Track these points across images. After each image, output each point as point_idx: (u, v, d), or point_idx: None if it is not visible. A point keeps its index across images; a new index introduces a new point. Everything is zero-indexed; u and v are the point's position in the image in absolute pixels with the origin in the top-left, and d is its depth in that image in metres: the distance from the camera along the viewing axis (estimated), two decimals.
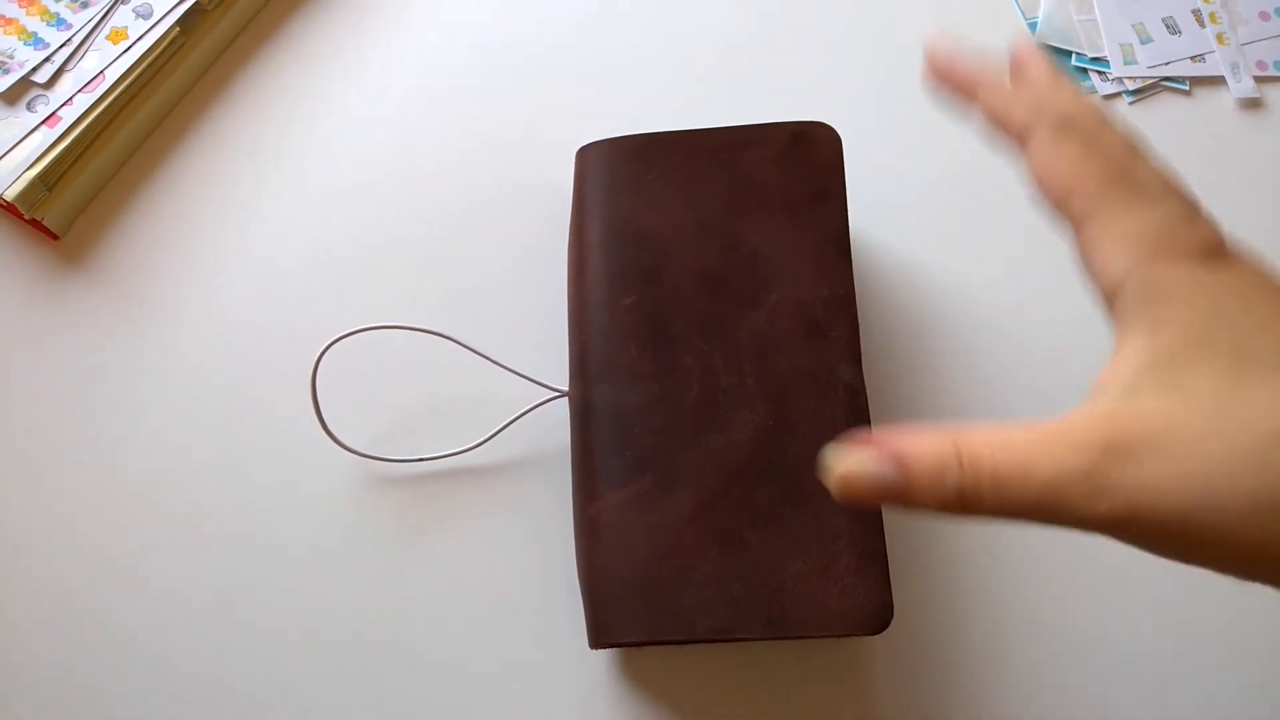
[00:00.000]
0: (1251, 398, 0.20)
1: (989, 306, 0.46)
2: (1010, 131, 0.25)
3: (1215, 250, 0.22)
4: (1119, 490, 0.19)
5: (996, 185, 0.49)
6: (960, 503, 0.21)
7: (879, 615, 0.36)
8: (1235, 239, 0.23)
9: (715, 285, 0.41)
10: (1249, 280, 0.22)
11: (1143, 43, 0.51)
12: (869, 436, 0.22)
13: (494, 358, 0.43)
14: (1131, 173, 0.23)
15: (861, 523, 0.37)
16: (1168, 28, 0.52)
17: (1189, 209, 0.23)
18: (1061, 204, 0.24)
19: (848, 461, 0.22)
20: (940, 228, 0.48)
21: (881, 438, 0.22)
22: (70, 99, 0.46)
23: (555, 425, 0.44)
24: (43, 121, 0.46)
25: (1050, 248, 0.48)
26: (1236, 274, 0.22)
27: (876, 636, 0.41)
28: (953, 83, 0.27)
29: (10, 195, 0.44)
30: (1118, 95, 0.51)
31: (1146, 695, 0.41)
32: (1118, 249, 0.23)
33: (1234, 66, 0.51)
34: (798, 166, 0.42)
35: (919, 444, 0.21)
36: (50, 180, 0.46)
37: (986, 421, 0.21)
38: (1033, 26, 0.52)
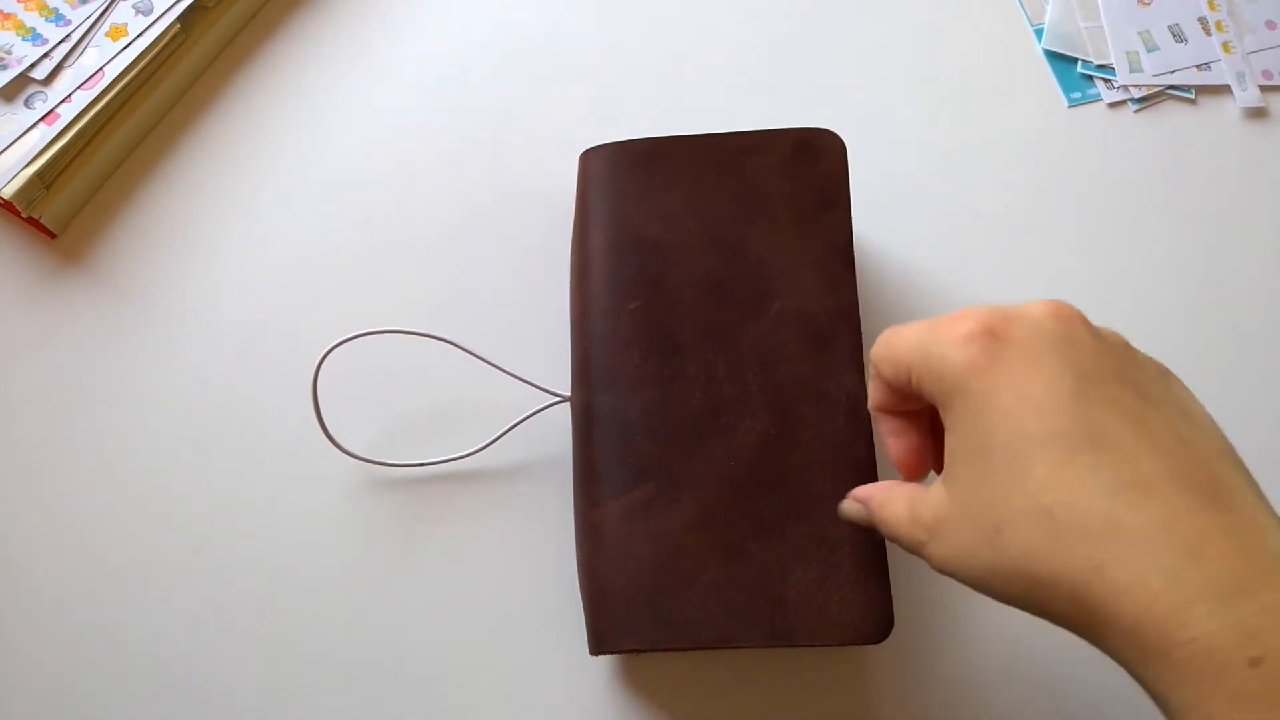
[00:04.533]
0: (986, 496, 0.26)
1: None
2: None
3: (994, 333, 0.28)
4: (933, 557, 0.29)
5: (1001, 194, 0.49)
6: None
7: (880, 624, 0.36)
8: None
9: (719, 293, 0.40)
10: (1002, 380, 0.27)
11: (1149, 50, 0.51)
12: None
13: (495, 362, 0.43)
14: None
15: (863, 533, 0.37)
16: (1174, 36, 0.52)
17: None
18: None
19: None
20: (944, 235, 0.48)
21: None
22: (69, 96, 0.46)
23: (557, 431, 0.43)
24: (41, 118, 0.46)
25: (1054, 258, 0.48)
26: (999, 373, 0.27)
27: (877, 646, 0.41)
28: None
29: (8, 193, 0.44)
30: (1123, 103, 0.50)
31: (1148, 702, 0.41)
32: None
33: (1240, 75, 0.51)
34: (803, 174, 0.42)
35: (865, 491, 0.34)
36: (48, 178, 0.45)
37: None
38: (1039, 33, 0.52)
